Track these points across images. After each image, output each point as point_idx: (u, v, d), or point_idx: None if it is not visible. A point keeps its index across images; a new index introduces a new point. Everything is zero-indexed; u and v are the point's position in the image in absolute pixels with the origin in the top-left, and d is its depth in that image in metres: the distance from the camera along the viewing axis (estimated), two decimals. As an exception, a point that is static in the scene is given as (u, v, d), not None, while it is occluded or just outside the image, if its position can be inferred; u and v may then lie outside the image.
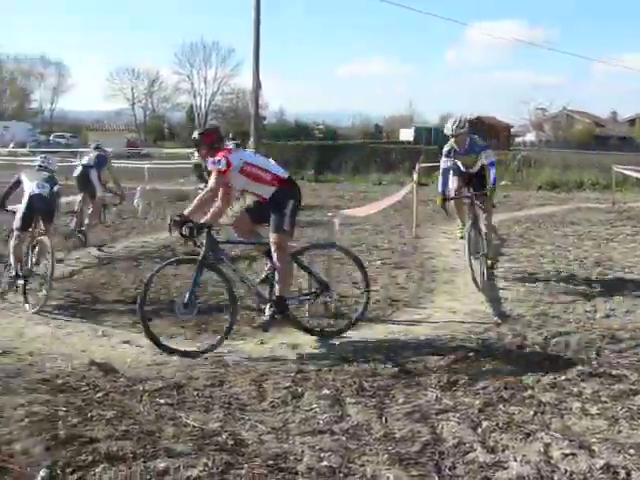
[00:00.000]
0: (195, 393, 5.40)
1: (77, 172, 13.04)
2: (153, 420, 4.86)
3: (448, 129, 9.16)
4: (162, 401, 5.23)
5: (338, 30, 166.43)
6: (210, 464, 4.13)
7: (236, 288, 7.16)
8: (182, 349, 6.56)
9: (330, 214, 8.03)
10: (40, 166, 9.49)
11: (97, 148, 13.53)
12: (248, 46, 30.18)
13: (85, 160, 13.19)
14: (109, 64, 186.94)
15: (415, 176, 15.33)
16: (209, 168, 6.99)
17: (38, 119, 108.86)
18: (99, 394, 5.39)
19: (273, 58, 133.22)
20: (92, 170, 12.65)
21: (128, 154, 61.13)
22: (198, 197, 7.14)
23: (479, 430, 4.59)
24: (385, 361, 6.23)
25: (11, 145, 65.05)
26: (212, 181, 6.75)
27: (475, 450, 4.29)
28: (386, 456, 4.24)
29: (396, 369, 5.98)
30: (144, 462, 4.18)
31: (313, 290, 7.36)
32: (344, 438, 4.56)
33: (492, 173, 9.29)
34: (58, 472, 4.12)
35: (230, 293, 6.83)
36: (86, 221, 12.81)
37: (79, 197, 13.09)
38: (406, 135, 66.43)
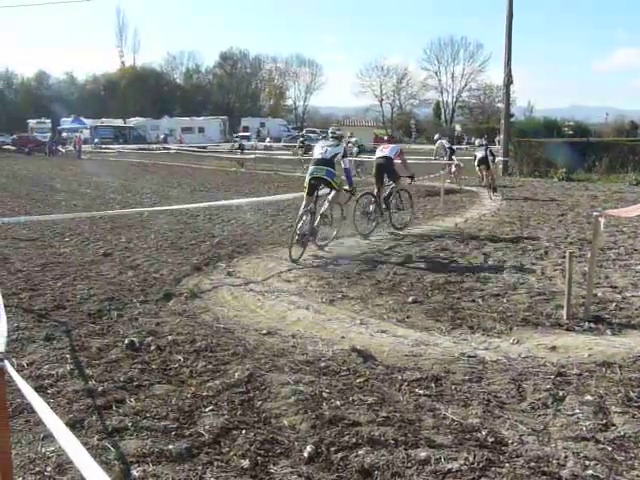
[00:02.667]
0: (453, 387, 5.41)
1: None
2: (412, 409, 4.94)
3: None
4: (421, 392, 5.30)
5: (593, 26, 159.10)
6: (471, 459, 4.13)
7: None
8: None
9: (596, 213, 7.66)
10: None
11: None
12: (496, 41, 29.83)
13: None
14: (359, 62, 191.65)
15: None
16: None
17: (292, 115, 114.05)
18: (359, 379, 5.56)
19: (523, 53, 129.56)
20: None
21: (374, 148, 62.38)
22: None
23: None
24: (652, 371, 5.85)
25: (267, 140, 68.80)
26: None
27: None
28: (658, 472, 4.01)
29: (666, 381, 5.60)
30: (405, 449, 4.26)
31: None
32: (610, 448, 4.36)
33: None
34: (323, 449, 4.30)
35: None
36: None
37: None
38: (667, 131, 62.15)
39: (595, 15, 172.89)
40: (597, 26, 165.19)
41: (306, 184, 11.69)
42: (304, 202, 11.72)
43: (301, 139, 44.39)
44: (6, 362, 3.11)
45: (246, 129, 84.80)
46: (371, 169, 16.30)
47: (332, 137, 12.28)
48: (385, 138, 27.61)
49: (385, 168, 14.21)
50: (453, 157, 27.00)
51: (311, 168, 11.83)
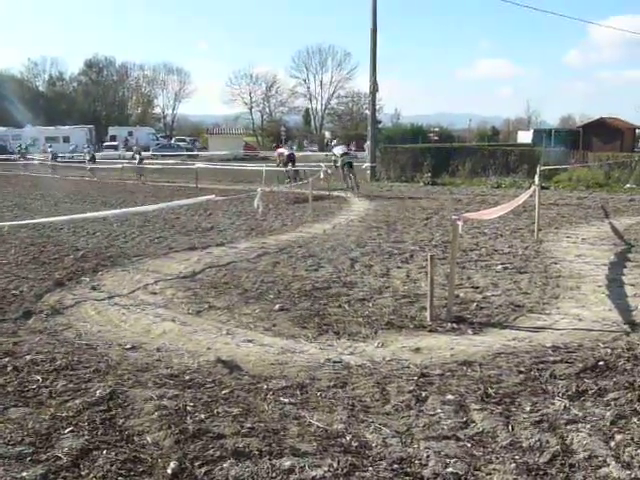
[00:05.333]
0: (318, 394, 5.42)
1: None
2: (277, 418, 4.91)
3: None
4: (286, 400, 5.28)
5: (456, 32, 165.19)
6: (335, 465, 4.14)
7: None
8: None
9: (454, 216, 7.91)
10: None
11: None
12: (364, 50, 30.52)
13: None
14: (229, 70, 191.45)
15: (537, 179, 14.97)
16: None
17: (160, 124, 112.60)
18: (224, 391, 5.49)
19: (389, 60, 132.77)
20: None
21: (246, 157, 62.45)
22: None
23: (612, 444, 4.40)
24: (510, 367, 6.06)
25: (135, 149, 67.49)
26: None
27: (608, 465, 4.12)
28: (513, 465, 4.14)
29: (522, 376, 5.81)
30: (270, 460, 4.23)
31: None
32: (469, 445, 4.48)
33: None
34: (187, 465, 4.21)
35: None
36: None
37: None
38: (524, 137, 65.14)
39: (460, 25, 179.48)
40: (462, 36, 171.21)
41: (341, 165, 26.69)
42: (344, 173, 26.95)
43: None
44: None
45: (113, 138, 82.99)
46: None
47: (341, 142, 26.07)
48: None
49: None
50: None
51: (345, 158, 27.03)
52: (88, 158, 50.98)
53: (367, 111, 64.21)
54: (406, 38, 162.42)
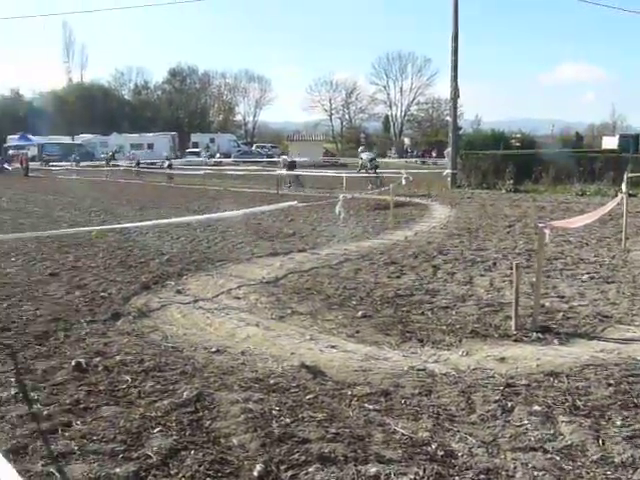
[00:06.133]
0: (403, 401, 5.41)
1: None
2: (362, 425, 4.92)
3: None
4: (370, 407, 5.29)
5: (537, 35, 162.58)
6: (421, 473, 4.13)
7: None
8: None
9: (541, 224, 7.78)
10: None
11: None
12: (444, 55, 30.31)
13: None
14: (309, 77, 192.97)
15: (624, 186, 14.56)
16: None
17: (241, 131, 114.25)
18: (309, 396, 5.53)
19: (470, 66, 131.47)
20: None
21: (326, 163, 62.76)
22: None
23: None
24: (598, 380, 5.92)
25: (217, 155, 68.63)
26: None
27: None
28: (605, 481, 4.05)
29: (611, 389, 5.67)
30: (355, 466, 4.24)
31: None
32: (558, 458, 4.40)
33: None
34: (273, 468, 4.26)
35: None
36: None
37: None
38: (609, 143, 63.42)
39: (542, 29, 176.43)
40: (545, 40, 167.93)
41: (370, 167, 31.95)
42: (367, 174, 31.90)
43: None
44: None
45: (195, 145, 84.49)
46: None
47: (367, 150, 31.75)
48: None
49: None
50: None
51: (373, 162, 32.87)
52: (166, 165, 52.16)
53: (448, 117, 63.61)
54: (486, 43, 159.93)
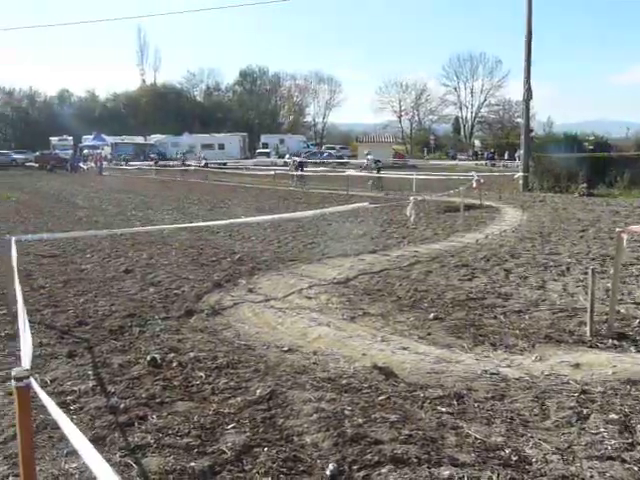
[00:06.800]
0: (476, 405, 5.37)
1: None
2: (435, 427, 4.90)
3: None
4: (443, 409, 5.27)
5: (610, 34, 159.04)
6: (495, 478, 4.10)
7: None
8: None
9: (619, 229, 7.62)
10: None
11: None
12: (515, 56, 29.98)
13: None
14: (378, 79, 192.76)
15: None
16: None
17: (311, 132, 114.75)
18: (381, 397, 5.53)
19: (541, 67, 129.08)
20: None
21: (395, 165, 62.56)
22: None
23: None
24: (680, 390, 5.78)
25: (287, 156, 69.08)
26: None
27: None
28: (687, 494, 3.96)
29: (693, 400, 5.53)
30: (428, 468, 4.23)
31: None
32: (636, 468, 4.30)
33: None
34: (346, 468, 4.28)
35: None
36: None
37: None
38: (691, 146, 61.60)
39: (614, 29, 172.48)
40: (616, 39, 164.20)
41: (374, 168, 37.78)
42: (374, 176, 34.84)
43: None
44: (32, 379, 3.13)
45: (265, 145, 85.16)
46: None
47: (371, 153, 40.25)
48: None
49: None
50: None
51: (377, 164, 39.31)
52: (202, 164, 52.99)
53: (519, 119, 62.64)
54: (556, 42, 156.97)
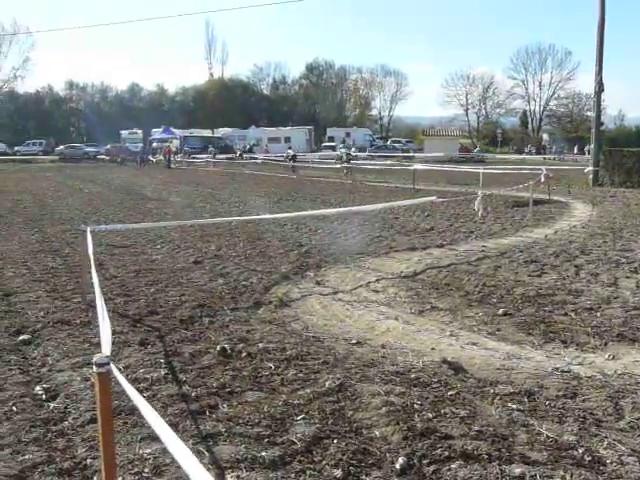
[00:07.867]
0: (547, 402, 5.30)
1: None
2: (505, 424, 4.86)
3: None
4: (514, 406, 5.21)
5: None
6: (568, 478, 4.05)
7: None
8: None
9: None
10: None
11: None
12: (585, 48, 29.47)
13: None
14: (445, 72, 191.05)
15: None
16: None
17: (377, 125, 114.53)
18: (450, 392, 5.51)
19: (611, 60, 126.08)
20: None
21: (461, 159, 62.00)
22: None
23: None
24: None
25: (353, 149, 69.08)
26: None
27: None
28: None
29: None
30: (499, 465, 4.20)
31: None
32: None
33: None
34: (415, 462, 4.28)
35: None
36: None
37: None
38: None
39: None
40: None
41: (346, 159, 42.47)
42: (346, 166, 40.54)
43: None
44: (112, 365, 3.21)
45: (331, 139, 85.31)
46: None
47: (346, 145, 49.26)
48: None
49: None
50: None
51: (349, 155, 43.81)
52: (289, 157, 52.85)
53: (589, 112, 61.43)
54: (629, 29, 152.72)
